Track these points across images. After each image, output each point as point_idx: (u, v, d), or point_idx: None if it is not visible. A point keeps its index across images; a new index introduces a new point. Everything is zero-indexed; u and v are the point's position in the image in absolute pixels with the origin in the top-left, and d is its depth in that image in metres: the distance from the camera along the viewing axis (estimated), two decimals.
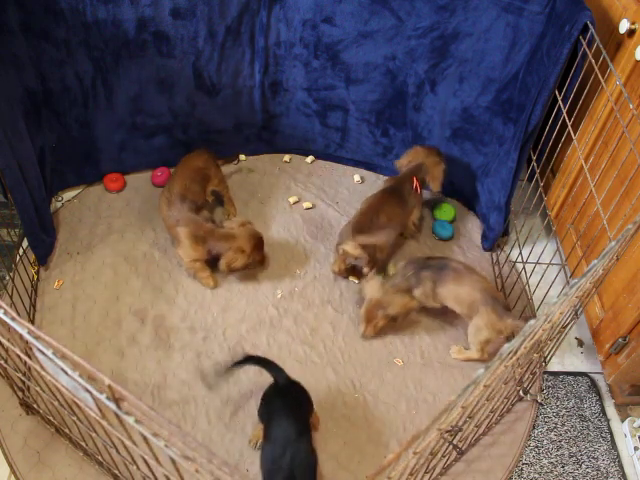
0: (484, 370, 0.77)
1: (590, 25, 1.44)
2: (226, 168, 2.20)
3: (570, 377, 1.70)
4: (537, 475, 1.50)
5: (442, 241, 2.02)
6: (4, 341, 0.93)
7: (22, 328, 0.75)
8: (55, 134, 1.91)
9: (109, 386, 0.68)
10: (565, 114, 1.56)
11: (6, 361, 1.22)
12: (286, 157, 2.27)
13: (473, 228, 2.08)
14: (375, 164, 2.22)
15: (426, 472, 1.28)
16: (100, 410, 0.76)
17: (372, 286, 1.68)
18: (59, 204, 2.03)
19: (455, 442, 1.43)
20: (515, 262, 1.94)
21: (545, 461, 1.53)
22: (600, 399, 1.66)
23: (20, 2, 1.60)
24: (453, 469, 1.48)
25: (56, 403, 1.10)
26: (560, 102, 1.58)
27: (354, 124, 2.12)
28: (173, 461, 0.70)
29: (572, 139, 1.57)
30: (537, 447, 1.56)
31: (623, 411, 1.64)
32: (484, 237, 2.01)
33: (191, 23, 1.82)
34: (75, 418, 1.07)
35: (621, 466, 1.54)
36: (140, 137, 2.06)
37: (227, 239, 1.74)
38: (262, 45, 1.94)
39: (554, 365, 1.73)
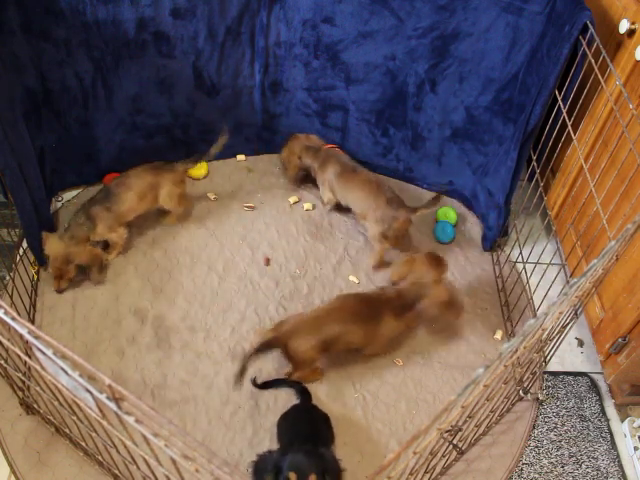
0: (484, 370, 0.77)
1: (590, 25, 1.44)
2: (226, 167, 2.21)
3: (570, 377, 1.70)
4: (537, 475, 1.50)
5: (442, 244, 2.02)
6: (4, 341, 0.93)
7: (22, 328, 0.75)
8: (55, 134, 1.91)
9: (109, 386, 0.68)
10: (565, 114, 1.56)
11: (6, 361, 1.22)
12: None
13: (473, 228, 2.08)
14: (375, 164, 2.22)
15: (426, 472, 1.28)
16: (100, 410, 0.76)
17: (51, 243, 1.70)
18: (59, 204, 2.03)
19: (455, 442, 1.43)
20: (515, 262, 1.94)
21: (545, 461, 1.53)
22: (600, 399, 1.66)
23: (20, 2, 1.60)
24: (453, 469, 1.48)
25: (56, 403, 1.10)
26: (560, 102, 1.58)
27: (354, 124, 2.12)
28: (173, 461, 0.70)
29: (572, 139, 1.57)
30: (537, 447, 1.56)
31: (623, 411, 1.64)
32: (484, 237, 2.01)
33: (191, 23, 1.82)
34: (75, 418, 1.07)
35: (621, 466, 1.54)
36: (140, 137, 2.06)
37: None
38: (262, 45, 1.94)
39: (554, 365, 1.73)
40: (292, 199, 2.10)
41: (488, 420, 1.50)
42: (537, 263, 1.80)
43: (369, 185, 1.88)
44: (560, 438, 1.58)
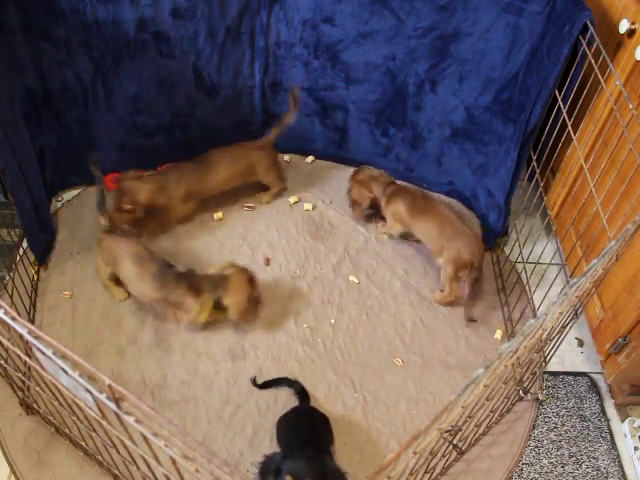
0: (484, 370, 0.77)
1: (590, 25, 1.44)
2: None
3: (570, 377, 1.70)
4: (537, 475, 1.50)
5: None
6: (4, 341, 0.93)
7: (22, 328, 0.75)
8: (55, 134, 1.91)
9: (109, 386, 0.68)
10: (565, 114, 1.56)
11: (6, 361, 1.22)
12: (286, 157, 2.26)
13: (472, 228, 2.07)
14: (375, 164, 2.21)
15: (426, 472, 1.28)
16: (100, 410, 0.76)
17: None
18: (59, 204, 2.03)
19: (455, 442, 1.43)
20: (515, 262, 1.94)
21: (545, 461, 1.53)
22: (600, 399, 1.66)
23: (20, 2, 1.60)
24: (453, 469, 1.48)
25: (56, 403, 1.10)
26: (560, 102, 1.58)
27: (354, 124, 2.12)
28: (173, 461, 0.70)
29: (572, 139, 1.57)
30: (537, 447, 1.56)
31: (623, 411, 1.64)
32: (484, 237, 2.01)
33: (191, 23, 1.82)
34: (75, 418, 1.07)
35: (621, 466, 1.54)
36: (140, 137, 2.05)
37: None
38: (262, 45, 1.94)
39: (554, 365, 1.73)
40: (292, 199, 2.10)
41: (488, 420, 1.50)
42: (537, 263, 1.80)
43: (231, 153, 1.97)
44: (560, 438, 1.58)
